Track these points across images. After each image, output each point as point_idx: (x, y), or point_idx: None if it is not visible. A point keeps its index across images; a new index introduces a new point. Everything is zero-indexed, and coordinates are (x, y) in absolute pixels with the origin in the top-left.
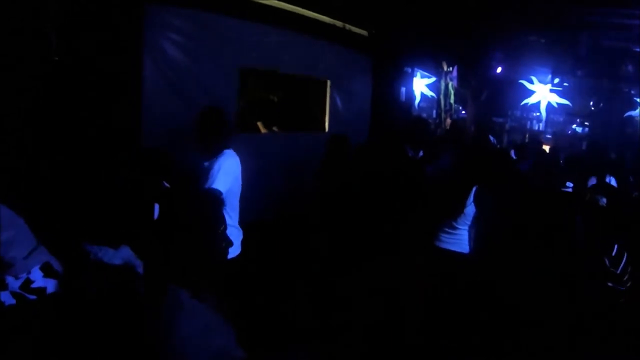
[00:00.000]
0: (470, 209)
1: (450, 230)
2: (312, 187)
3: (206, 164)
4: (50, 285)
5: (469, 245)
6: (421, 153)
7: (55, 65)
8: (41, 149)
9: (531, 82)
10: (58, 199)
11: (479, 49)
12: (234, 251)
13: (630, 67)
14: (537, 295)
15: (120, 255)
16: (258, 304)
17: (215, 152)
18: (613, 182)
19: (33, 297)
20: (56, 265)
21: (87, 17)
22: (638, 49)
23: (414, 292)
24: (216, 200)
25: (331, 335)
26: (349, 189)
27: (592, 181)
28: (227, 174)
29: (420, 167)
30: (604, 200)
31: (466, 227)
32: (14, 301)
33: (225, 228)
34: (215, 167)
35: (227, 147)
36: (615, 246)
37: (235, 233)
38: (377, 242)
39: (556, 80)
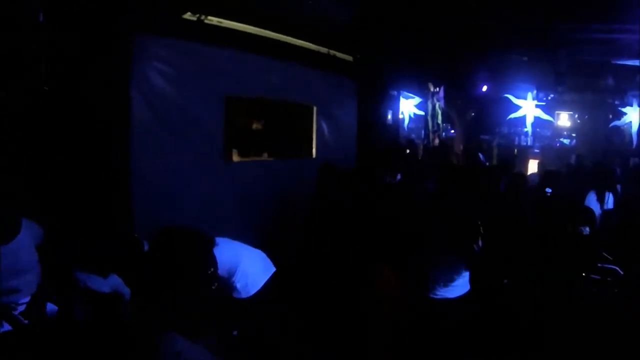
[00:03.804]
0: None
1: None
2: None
3: None
4: (49, 312)
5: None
6: (398, 176)
7: (45, 95)
8: (30, 179)
9: (524, 97)
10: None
11: (464, 68)
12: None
13: (611, 80)
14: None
15: (109, 283)
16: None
17: None
18: (611, 197)
19: (27, 322)
20: (53, 294)
21: (76, 47)
22: (619, 62)
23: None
24: (205, 241)
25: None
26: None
27: (592, 196)
28: None
29: (395, 193)
30: (587, 229)
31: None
32: (10, 327)
33: (216, 270)
34: None
35: None
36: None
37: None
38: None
39: (543, 99)
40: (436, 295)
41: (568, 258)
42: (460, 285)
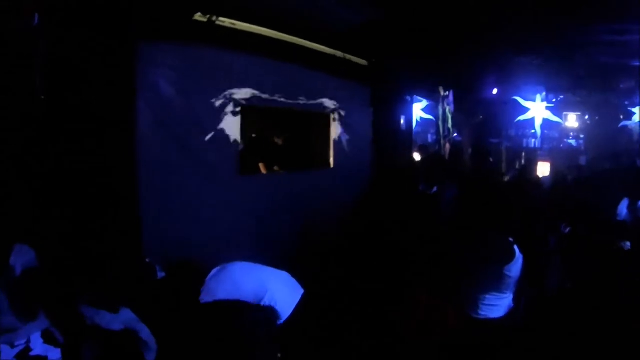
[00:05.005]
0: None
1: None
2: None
3: None
4: (52, 353)
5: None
6: (435, 189)
7: (43, 104)
8: (32, 195)
9: (532, 100)
10: (49, 257)
11: (474, 72)
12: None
13: (624, 81)
14: None
15: (121, 319)
16: None
17: None
18: None
19: None
20: (56, 333)
21: (77, 55)
22: (632, 64)
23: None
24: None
25: None
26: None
27: (625, 203)
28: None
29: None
30: (629, 244)
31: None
32: None
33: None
34: None
35: None
36: None
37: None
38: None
39: (553, 101)
40: (479, 315)
41: (613, 272)
42: (502, 306)
